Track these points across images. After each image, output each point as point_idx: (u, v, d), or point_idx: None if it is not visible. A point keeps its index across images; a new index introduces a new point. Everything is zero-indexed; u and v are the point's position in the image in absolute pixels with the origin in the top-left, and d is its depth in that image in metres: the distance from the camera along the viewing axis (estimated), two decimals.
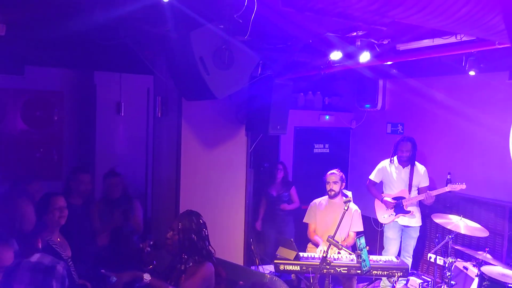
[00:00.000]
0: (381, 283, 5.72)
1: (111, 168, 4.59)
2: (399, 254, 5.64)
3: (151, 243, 3.14)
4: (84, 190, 4.34)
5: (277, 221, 6.17)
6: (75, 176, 4.36)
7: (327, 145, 7.18)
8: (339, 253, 4.62)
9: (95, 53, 5.14)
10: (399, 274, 4.45)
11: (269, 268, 5.02)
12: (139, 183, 5.93)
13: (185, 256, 3.02)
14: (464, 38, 4.17)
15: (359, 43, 4.48)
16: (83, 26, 3.45)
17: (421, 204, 5.63)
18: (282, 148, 6.83)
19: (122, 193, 4.44)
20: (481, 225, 4.79)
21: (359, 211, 5.05)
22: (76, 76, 6.34)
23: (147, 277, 2.86)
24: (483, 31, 2.52)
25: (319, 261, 4.36)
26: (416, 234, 5.62)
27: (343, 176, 5.15)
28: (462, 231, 4.54)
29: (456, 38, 4.25)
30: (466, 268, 4.89)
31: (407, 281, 5.97)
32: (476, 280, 4.54)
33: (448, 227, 4.61)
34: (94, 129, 6.04)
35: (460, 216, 4.70)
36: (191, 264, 3.02)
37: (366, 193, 5.94)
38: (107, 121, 6.07)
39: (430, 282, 5.92)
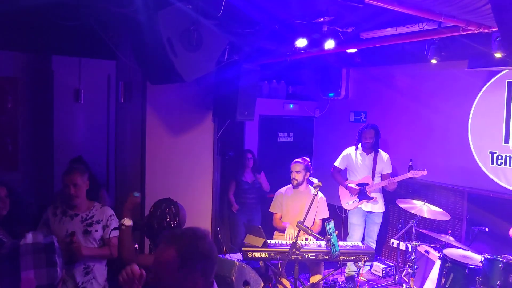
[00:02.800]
0: (346, 269, 5.79)
1: (78, 156, 4.40)
2: (362, 240, 5.73)
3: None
4: None
5: (248, 209, 6.13)
6: None
7: (291, 134, 7.19)
8: (306, 239, 4.63)
9: (53, 36, 4.88)
10: (365, 259, 4.50)
11: (236, 257, 4.97)
12: (100, 172, 5.73)
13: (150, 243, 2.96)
14: (426, 27, 4.26)
15: (325, 29, 4.48)
16: (40, 1, 3.25)
17: (384, 191, 5.74)
18: (247, 136, 6.78)
19: (89, 181, 4.27)
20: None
21: (324, 198, 5.07)
22: (31, 60, 6.03)
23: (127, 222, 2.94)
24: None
25: (287, 247, 4.37)
26: (379, 220, 5.72)
27: (309, 164, 5.15)
28: (426, 215, 4.65)
29: (419, 26, 4.33)
30: (428, 252, 5.02)
31: (371, 266, 6.10)
32: (438, 262, 4.68)
33: (412, 211, 4.72)
34: (52, 118, 5.77)
35: (424, 201, 4.81)
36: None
37: (330, 181, 5.99)
38: (65, 109, 5.81)
39: (393, 267, 6.07)
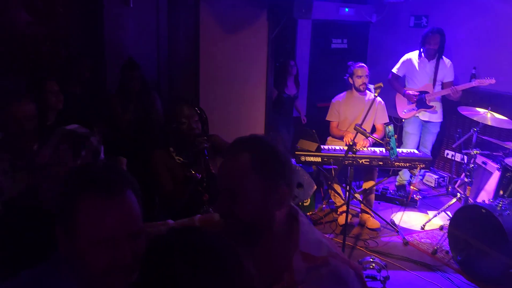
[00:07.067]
0: (398, 178, 5.75)
1: (129, 58, 4.35)
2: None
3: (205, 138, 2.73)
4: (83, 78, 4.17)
5: (288, 121, 6.06)
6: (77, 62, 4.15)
7: (345, 40, 6.86)
8: (364, 147, 4.56)
9: None
10: (421, 166, 4.41)
11: None
12: (151, 75, 5.73)
13: None
14: None
15: None
16: None
17: (443, 100, 5.46)
18: (299, 43, 6.53)
19: (141, 86, 4.28)
20: None
21: (383, 103, 4.89)
22: None
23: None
24: None
25: (341, 153, 4.31)
26: (436, 129, 5.52)
27: None
28: (489, 123, 4.41)
29: None
30: (485, 163, 4.84)
31: (423, 176, 6.01)
32: (496, 173, 4.51)
33: (475, 119, 4.48)
34: (102, 21, 5.70)
35: (488, 108, 4.55)
36: None
37: (385, 90, 5.72)
38: (114, 12, 5.72)
39: (446, 178, 5.96)
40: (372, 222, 4.69)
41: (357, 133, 3.89)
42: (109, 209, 1.07)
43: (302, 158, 4.40)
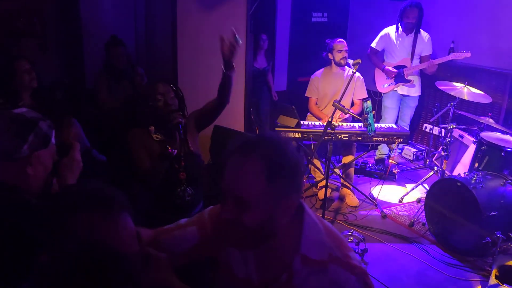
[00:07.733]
0: (377, 152, 5.82)
1: (112, 35, 4.27)
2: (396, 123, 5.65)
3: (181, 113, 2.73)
4: None
5: (260, 94, 6.08)
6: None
7: (325, 14, 6.81)
8: (341, 122, 4.59)
9: None
10: (399, 140, 4.48)
11: None
12: (130, 53, 5.65)
13: None
14: None
15: None
16: None
17: (421, 74, 5.51)
18: (279, 17, 6.46)
19: (127, 63, 4.21)
20: None
21: (362, 78, 4.90)
22: None
23: None
24: None
25: (321, 128, 4.35)
26: (414, 103, 5.58)
27: None
28: (465, 97, 4.47)
29: None
30: (462, 136, 4.94)
31: (402, 150, 6.10)
32: (472, 147, 4.60)
33: (452, 93, 4.54)
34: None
35: (465, 83, 4.60)
36: None
37: (364, 64, 5.74)
38: None
39: (424, 151, 6.06)
40: (352, 199, 4.76)
41: (335, 109, 3.91)
42: (108, 228, 1.04)
43: (282, 134, 4.42)
